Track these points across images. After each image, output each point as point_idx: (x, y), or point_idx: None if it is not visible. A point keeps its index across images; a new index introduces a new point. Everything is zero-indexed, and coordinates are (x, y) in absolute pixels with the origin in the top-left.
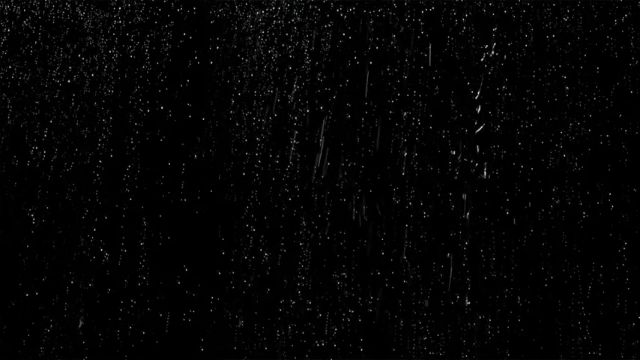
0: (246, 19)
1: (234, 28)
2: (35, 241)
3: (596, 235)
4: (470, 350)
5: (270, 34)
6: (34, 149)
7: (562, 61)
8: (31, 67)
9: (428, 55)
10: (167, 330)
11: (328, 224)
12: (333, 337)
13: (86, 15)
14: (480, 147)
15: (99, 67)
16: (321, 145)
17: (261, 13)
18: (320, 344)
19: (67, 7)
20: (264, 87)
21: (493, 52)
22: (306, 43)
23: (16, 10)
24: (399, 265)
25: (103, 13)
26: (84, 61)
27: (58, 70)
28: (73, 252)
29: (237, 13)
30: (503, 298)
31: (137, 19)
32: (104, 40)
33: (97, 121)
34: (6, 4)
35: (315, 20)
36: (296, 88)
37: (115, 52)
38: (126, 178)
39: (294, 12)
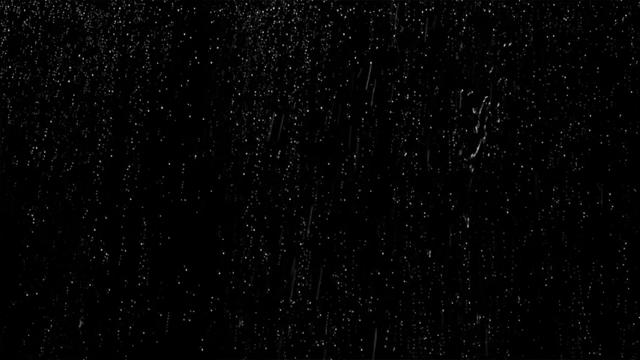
0: (246, 19)
1: (234, 28)
2: (35, 241)
3: (596, 235)
4: (470, 350)
5: (270, 34)
6: (34, 149)
7: (562, 61)
8: (31, 67)
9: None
10: (167, 330)
11: (328, 224)
12: (333, 337)
13: (86, 15)
14: (479, 147)
15: (99, 67)
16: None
17: (261, 13)
18: (320, 344)
19: (67, 7)
20: (264, 87)
21: (493, 52)
22: (306, 43)
23: (16, 10)
24: (399, 265)
25: (103, 13)
26: (84, 61)
27: (58, 70)
28: (73, 252)
29: (237, 13)
30: (503, 298)
31: (137, 19)
32: (104, 40)
33: (97, 121)
34: (6, 4)
35: (315, 20)
36: (296, 88)
37: (115, 52)
38: (126, 178)
39: (294, 12)
